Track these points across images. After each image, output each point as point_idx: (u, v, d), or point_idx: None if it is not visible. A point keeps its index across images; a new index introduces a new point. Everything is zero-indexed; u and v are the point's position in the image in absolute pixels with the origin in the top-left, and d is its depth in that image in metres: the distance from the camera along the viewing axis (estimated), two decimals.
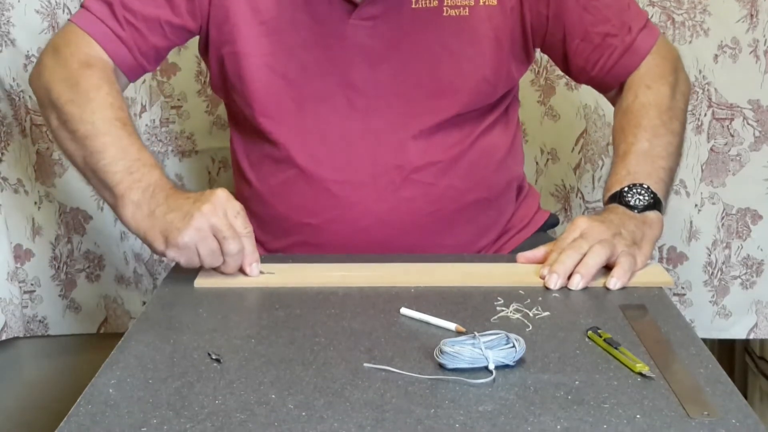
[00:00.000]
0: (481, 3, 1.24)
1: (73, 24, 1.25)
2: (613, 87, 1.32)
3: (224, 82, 1.28)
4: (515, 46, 1.28)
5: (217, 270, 1.10)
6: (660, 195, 1.18)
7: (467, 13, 1.23)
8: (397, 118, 1.25)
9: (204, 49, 1.30)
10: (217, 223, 1.06)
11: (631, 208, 1.16)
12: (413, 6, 1.23)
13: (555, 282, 1.07)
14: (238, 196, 1.33)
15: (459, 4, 1.23)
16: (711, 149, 1.65)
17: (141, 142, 1.17)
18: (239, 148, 1.34)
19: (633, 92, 1.28)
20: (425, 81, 1.24)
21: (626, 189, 1.17)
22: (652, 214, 1.16)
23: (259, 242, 1.30)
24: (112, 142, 1.14)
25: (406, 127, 1.25)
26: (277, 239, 1.30)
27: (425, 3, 1.23)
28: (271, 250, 1.30)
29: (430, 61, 1.24)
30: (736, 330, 1.72)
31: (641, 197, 1.16)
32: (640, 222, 1.14)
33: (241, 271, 1.11)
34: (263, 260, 1.13)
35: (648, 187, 1.17)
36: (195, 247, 1.06)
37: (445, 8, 1.23)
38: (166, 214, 1.08)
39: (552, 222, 1.46)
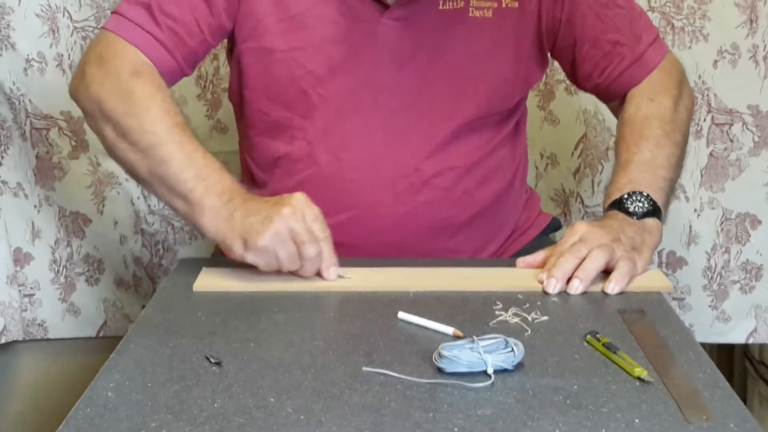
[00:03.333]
0: (504, 5, 1.25)
1: (110, 32, 1.22)
2: (617, 97, 1.33)
3: (245, 79, 1.27)
4: (534, 49, 1.29)
5: (294, 274, 1.10)
6: (660, 203, 1.18)
7: (491, 15, 1.24)
8: (419, 120, 1.25)
9: (230, 49, 1.30)
10: (296, 227, 1.06)
11: (631, 214, 1.16)
12: (440, 7, 1.23)
13: (554, 286, 1.07)
14: None
15: (483, 5, 1.24)
16: (710, 154, 1.65)
17: (202, 146, 1.16)
18: (252, 150, 1.33)
19: (635, 104, 1.29)
20: (448, 81, 1.25)
21: (626, 196, 1.17)
22: (651, 221, 1.16)
23: None
24: (177, 150, 1.14)
25: (428, 130, 1.25)
26: None
27: (452, 4, 1.23)
28: None
29: (454, 62, 1.25)
30: (736, 335, 1.72)
31: (640, 204, 1.16)
32: (640, 228, 1.15)
33: (319, 275, 1.10)
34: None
35: (648, 195, 1.17)
36: (274, 251, 1.06)
37: (470, 9, 1.24)
38: (245, 218, 1.08)
39: (554, 225, 1.46)
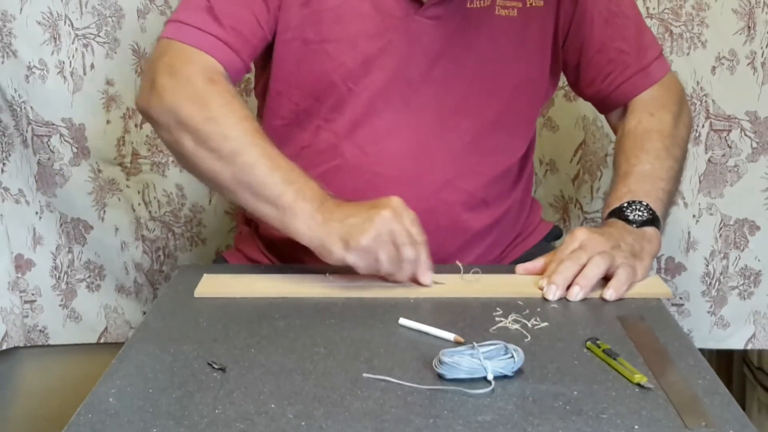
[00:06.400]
0: (528, 5, 1.26)
1: (174, 41, 1.20)
2: (616, 106, 1.34)
3: (276, 71, 1.27)
4: (553, 48, 1.31)
5: (389, 279, 1.10)
6: (658, 213, 1.19)
7: (515, 14, 1.26)
8: (446, 117, 1.26)
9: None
10: (396, 229, 1.06)
11: (630, 222, 1.17)
12: (468, 5, 1.24)
13: (554, 293, 1.07)
14: None
15: (509, 5, 1.25)
16: (709, 160, 1.66)
17: (276, 148, 1.15)
18: (276, 141, 1.33)
19: (636, 117, 1.30)
20: (476, 80, 1.26)
21: (625, 205, 1.18)
22: (650, 230, 1.17)
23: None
24: (261, 155, 1.12)
25: (455, 128, 1.26)
26: None
27: (480, 3, 1.25)
28: (300, 245, 1.29)
29: (481, 60, 1.26)
30: (734, 340, 1.73)
31: (640, 213, 1.17)
32: (639, 236, 1.15)
33: (414, 281, 1.11)
34: (269, 269, 1.13)
35: (647, 204, 1.18)
36: (375, 251, 1.06)
37: (497, 7, 1.25)
38: (345, 220, 1.07)
39: (556, 233, 1.47)
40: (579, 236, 1.13)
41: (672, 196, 1.26)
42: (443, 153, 1.26)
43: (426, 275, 1.10)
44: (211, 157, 1.14)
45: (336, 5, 1.23)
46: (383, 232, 1.06)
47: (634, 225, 1.16)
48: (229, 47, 1.20)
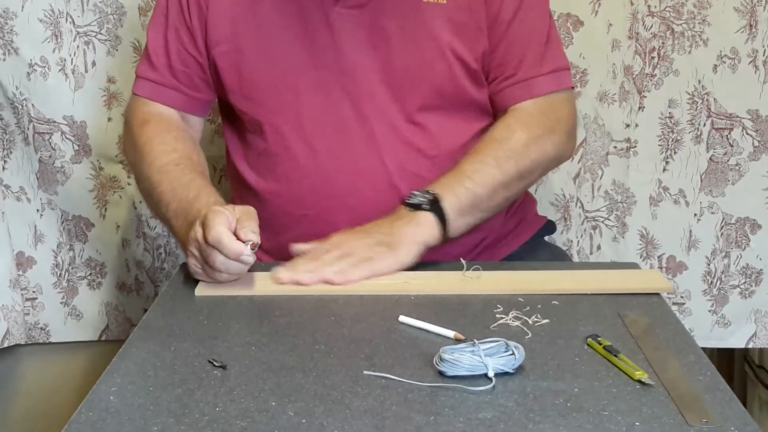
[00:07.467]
0: None
1: (132, 94, 1.35)
2: (497, 111, 1.32)
3: (224, 81, 1.30)
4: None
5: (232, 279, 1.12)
6: (445, 204, 1.18)
7: (445, 1, 1.26)
8: (386, 103, 1.27)
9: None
10: (193, 241, 1.10)
11: (408, 206, 1.18)
12: None
13: (283, 274, 1.11)
14: (236, 198, 1.37)
15: None
16: (710, 159, 1.66)
17: (191, 174, 1.22)
18: (236, 149, 1.36)
19: (495, 125, 1.29)
20: (410, 64, 1.27)
21: (414, 194, 1.19)
22: (422, 214, 1.18)
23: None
24: (164, 190, 1.21)
25: (396, 112, 1.27)
26: (274, 236, 1.30)
27: None
28: (267, 248, 1.30)
29: (412, 46, 1.26)
30: (735, 339, 1.73)
31: (419, 198, 1.19)
32: (405, 222, 1.17)
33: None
34: (270, 267, 1.13)
35: (430, 191, 1.19)
36: (200, 268, 1.11)
37: None
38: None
39: (550, 228, 1.47)
40: (332, 240, 1.16)
41: (479, 200, 1.21)
42: (389, 140, 1.27)
43: (238, 262, 1.08)
44: (144, 196, 1.30)
45: (264, 19, 1.26)
46: (190, 250, 1.11)
47: (409, 208, 1.18)
48: (166, 87, 1.32)
